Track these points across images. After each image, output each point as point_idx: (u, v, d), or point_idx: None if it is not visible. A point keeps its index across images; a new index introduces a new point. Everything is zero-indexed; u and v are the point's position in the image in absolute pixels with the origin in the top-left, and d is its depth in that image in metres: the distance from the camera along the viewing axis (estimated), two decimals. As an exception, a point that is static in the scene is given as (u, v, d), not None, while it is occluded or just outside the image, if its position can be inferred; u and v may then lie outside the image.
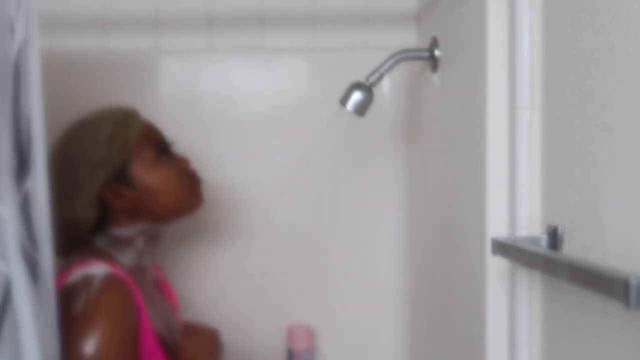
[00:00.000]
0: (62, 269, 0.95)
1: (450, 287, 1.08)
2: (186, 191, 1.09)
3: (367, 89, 1.08)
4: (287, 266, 1.40)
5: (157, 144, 1.08)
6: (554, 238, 0.77)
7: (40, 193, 0.72)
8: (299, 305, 1.41)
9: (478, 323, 0.91)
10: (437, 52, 1.12)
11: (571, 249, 0.73)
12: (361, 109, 1.08)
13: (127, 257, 1.04)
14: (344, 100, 1.08)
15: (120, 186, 1.02)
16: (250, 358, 1.40)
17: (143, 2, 1.39)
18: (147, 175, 1.04)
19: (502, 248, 0.79)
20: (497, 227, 0.87)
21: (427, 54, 1.14)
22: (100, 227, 1.02)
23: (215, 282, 1.38)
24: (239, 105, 1.39)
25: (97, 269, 0.94)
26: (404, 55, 1.12)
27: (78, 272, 0.93)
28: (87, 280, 0.92)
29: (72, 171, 1.00)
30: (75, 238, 1.01)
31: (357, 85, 1.08)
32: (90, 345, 0.87)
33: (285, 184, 1.33)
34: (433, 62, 1.14)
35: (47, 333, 0.71)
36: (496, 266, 0.87)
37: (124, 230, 1.03)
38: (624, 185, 0.62)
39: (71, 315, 0.88)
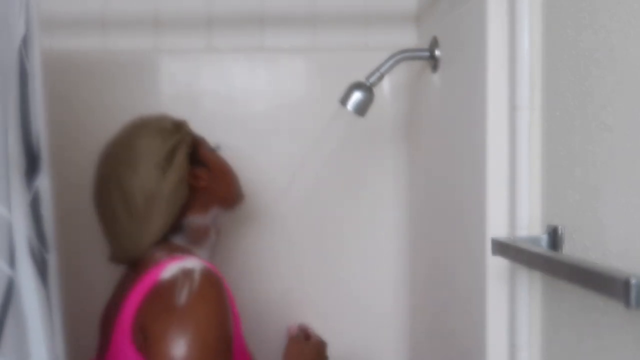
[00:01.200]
0: (150, 265, 0.94)
1: (450, 287, 1.08)
2: (237, 181, 1.15)
3: (367, 89, 1.08)
4: (287, 266, 1.40)
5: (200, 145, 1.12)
6: (554, 238, 0.77)
7: (46, 192, 0.72)
8: (299, 305, 1.41)
9: (478, 323, 0.91)
10: (437, 52, 1.12)
11: (571, 249, 0.73)
12: (361, 109, 1.08)
13: (204, 252, 1.05)
14: (344, 100, 1.08)
15: (195, 168, 1.05)
16: (250, 358, 1.40)
17: (143, 2, 1.39)
18: (214, 158, 1.10)
19: (502, 248, 0.79)
20: (497, 227, 0.87)
21: (427, 54, 1.14)
22: (175, 223, 1.02)
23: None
24: (239, 105, 1.39)
25: (193, 263, 0.93)
26: (404, 55, 1.12)
27: (174, 267, 0.91)
28: (187, 274, 0.90)
29: (144, 169, 0.99)
30: (169, 223, 0.99)
31: (357, 85, 1.08)
32: (194, 338, 0.86)
33: (285, 184, 1.33)
34: (433, 62, 1.14)
35: (55, 333, 0.71)
36: (496, 266, 0.87)
37: (198, 219, 1.04)
38: (624, 185, 0.62)
39: (172, 308, 0.87)
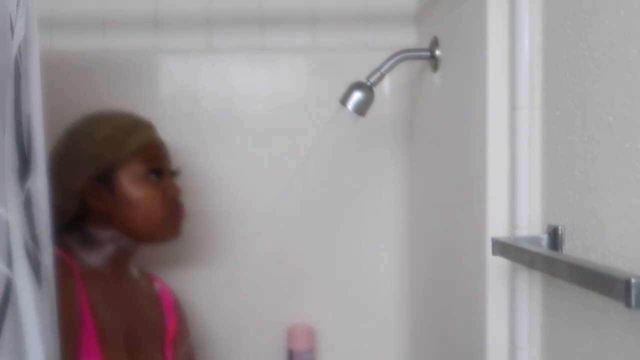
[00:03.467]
0: None
1: (450, 287, 1.08)
2: (163, 219, 1.08)
3: (367, 88, 1.08)
4: (287, 266, 1.40)
5: (153, 162, 1.08)
6: (554, 238, 0.76)
7: (41, 193, 0.72)
8: (299, 305, 1.41)
9: (478, 323, 0.91)
10: (437, 52, 1.12)
11: (571, 249, 0.73)
12: (361, 108, 1.08)
13: (90, 258, 1.05)
14: (344, 100, 1.08)
15: (102, 188, 1.03)
16: (250, 358, 1.40)
17: (143, 2, 1.39)
18: (130, 187, 1.05)
19: (502, 248, 0.79)
20: (497, 227, 0.87)
21: (427, 53, 1.14)
22: (77, 223, 1.03)
23: (215, 283, 1.38)
24: (239, 105, 1.39)
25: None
26: (405, 55, 1.12)
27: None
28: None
29: (64, 162, 1.02)
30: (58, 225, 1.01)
31: (357, 85, 1.08)
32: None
33: (285, 184, 1.33)
34: (433, 62, 1.14)
35: (50, 333, 0.71)
36: (496, 266, 0.87)
37: (96, 233, 1.05)
38: (625, 185, 0.62)
39: None
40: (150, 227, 1.07)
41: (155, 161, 1.08)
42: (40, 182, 0.72)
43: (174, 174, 1.14)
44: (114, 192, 1.04)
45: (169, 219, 1.09)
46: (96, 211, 1.04)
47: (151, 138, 1.09)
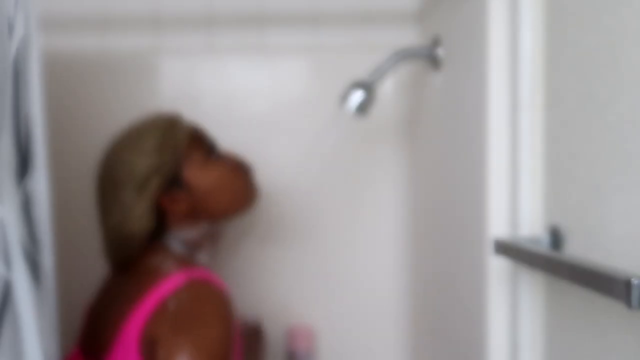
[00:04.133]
0: (157, 275, 0.97)
1: (451, 287, 1.08)
2: (241, 186, 1.10)
3: (368, 88, 1.08)
4: (288, 266, 1.40)
5: (204, 145, 1.08)
6: (556, 238, 0.76)
7: (41, 193, 0.72)
8: (299, 305, 1.41)
9: (479, 323, 0.91)
10: (438, 51, 1.12)
11: (573, 249, 0.73)
12: (362, 108, 1.08)
13: (204, 257, 1.07)
14: (345, 100, 1.08)
15: (176, 191, 1.03)
16: (250, 358, 1.40)
17: (143, 2, 1.39)
18: (201, 176, 1.05)
19: (504, 248, 0.79)
20: (498, 226, 0.87)
21: (428, 53, 1.13)
22: (158, 235, 1.03)
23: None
24: (239, 105, 1.39)
25: (203, 277, 0.96)
26: (406, 54, 1.12)
27: (184, 281, 0.94)
28: (197, 290, 0.94)
29: (120, 188, 1.01)
30: (131, 253, 1.02)
31: (358, 85, 1.08)
32: (202, 354, 0.89)
33: (286, 184, 1.33)
34: (434, 61, 1.13)
35: (48, 333, 0.71)
36: (497, 266, 0.87)
37: (188, 233, 1.05)
38: (626, 185, 0.62)
39: (183, 324, 0.90)
40: (234, 201, 1.09)
41: (205, 141, 1.09)
42: (40, 183, 0.72)
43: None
44: (190, 189, 1.04)
45: (245, 184, 1.11)
46: (179, 215, 1.03)
47: (189, 125, 1.09)
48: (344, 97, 1.08)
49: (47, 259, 0.73)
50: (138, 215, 1.00)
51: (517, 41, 0.83)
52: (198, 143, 1.07)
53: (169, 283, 0.94)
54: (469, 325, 0.97)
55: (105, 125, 1.12)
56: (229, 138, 1.38)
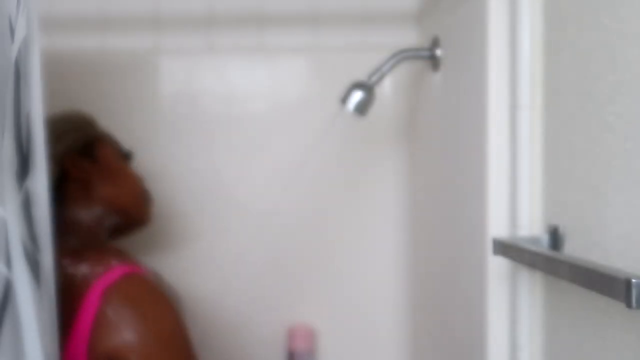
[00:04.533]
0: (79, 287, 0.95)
1: (451, 287, 1.08)
2: (142, 200, 1.11)
3: (368, 88, 1.08)
4: (288, 266, 1.40)
5: (120, 148, 1.12)
6: (555, 238, 0.76)
7: (40, 192, 0.72)
8: (299, 305, 1.41)
9: (479, 323, 0.91)
10: (438, 52, 1.12)
11: (572, 249, 0.73)
12: (362, 108, 1.08)
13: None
14: (344, 100, 1.08)
15: (82, 158, 1.04)
16: (250, 358, 1.40)
17: (143, 2, 1.39)
18: (112, 159, 1.08)
19: (503, 248, 0.79)
20: (497, 226, 0.87)
21: (428, 53, 1.14)
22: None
23: (215, 282, 1.38)
24: (239, 105, 1.39)
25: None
26: (405, 55, 1.12)
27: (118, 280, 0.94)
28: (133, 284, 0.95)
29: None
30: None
31: (358, 85, 1.08)
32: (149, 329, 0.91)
33: (286, 184, 1.33)
34: (434, 62, 1.14)
35: (48, 332, 0.71)
36: (497, 266, 0.87)
37: (80, 213, 1.02)
38: (625, 185, 0.62)
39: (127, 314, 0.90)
40: (134, 205, 1.09)
41: (121, 146, 1.13)
42: (40, 182, 0.72)
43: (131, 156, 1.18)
44: (96, 160, 1.05)
45: (147, 201, 1.13)
46: (80, 182, 1.02)
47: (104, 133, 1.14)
48: (344, 98, 1.08)
49: (47, 259, 0.73)
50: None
51: (516, 41, 0.83)
52: (115, 143, 1.12)
53: (95, 290, 0.92)
54: (468, 325, 0.97)
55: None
56: (229, 138, 1.39)
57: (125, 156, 1.13)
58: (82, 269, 0.95)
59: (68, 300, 0.91)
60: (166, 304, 0.95)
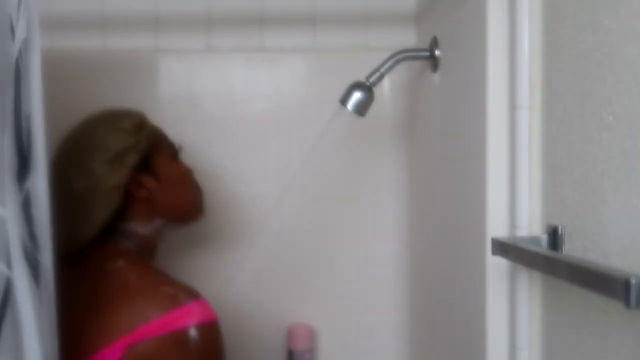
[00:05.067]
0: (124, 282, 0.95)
1: (450, 287, 1.08)
2: (197, 196, 1.11)
3: (367, 88, 1.08)
4: (287, 266, 1.40)
5: (171, 147, 1.09)
6: (554, 238, 0.77)
7: (40, 193, 0.72)
8: (299, 305, 1.41)
9: (478, 323, 0.91)
10: (437, 52, 1.12)
11: (571, 249, 0.73)
12: (361, 109, 1.08)
13: (154, 261, 1.05)
14: (344, 100, 1.08)
15: (144, 175, 1.01)
16: (250, 358, 1.40)
17: (143, 2, 1.39)
18: (170, 167, 1.05)
19: (502, 248, 0.79)
20: (497, 227, 0.87)
21: (427, 53, 1.14)
22: (113, 226, 0.99)
23: (215, 283, 1.38)
24: (239, 105, 1.39)
25: (203, 311, 0.99)
26: (404, 55, 1.12)
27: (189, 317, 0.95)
28: (204, 330, 0.96)
29: (92, 155, 0.97)
30: (89, 230, 0.96)
31: (357, 85, 1.08)
32: None
33: (285, 184, 1.33)
34: (433, 62, 1.14)
35: (48, 332, 0.71)
36: (496, 266, 0.87)
37: (140, 228, 1.01)
38: (624, 185, 0.62)
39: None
40: (191, 204, 1.09)
41: (171, 143, 1.10)
42: (40, 183, 0.72)
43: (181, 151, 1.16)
44: (158, 176, 1.02)
45: (200, 196, 1.12)
46: (143, 200, 1.00)
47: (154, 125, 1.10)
48: (343, 98, 1.08)
49: (47, 259, 0.73)
50: (108, 188, 0.96)
51: (516, 41, 0.84)
52: (167, 140, 1.09)
53: (183, 317, 0.93)
54: (468, 325, 0.98)
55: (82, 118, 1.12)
56: (229, 138, 1.39)
57: (176, 153, 1.10)
58: (134, 274, 0.97)
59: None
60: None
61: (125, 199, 0.99)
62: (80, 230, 0.97)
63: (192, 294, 0.97)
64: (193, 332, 0.92)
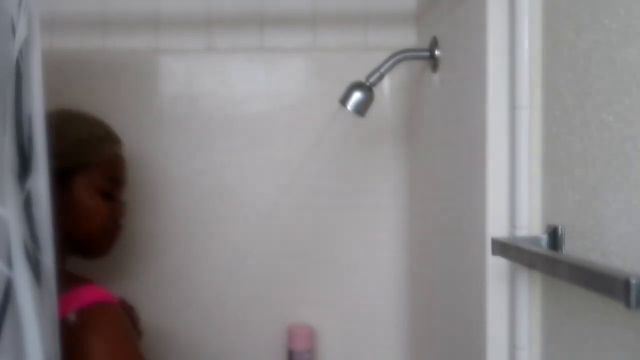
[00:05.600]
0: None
1: (450, 287, 1.08)
2: (102, 235, 1.04)
3: (367, 88, 1.08)
4: (288, 266, 1.40)
5: (112, 178, 1.05)
6: (554, 238, 0.77)
7: (41, 193, 0.72)
8: (299, 305, 1.41)
9: (478, 323, 0.91)
10: (437, 52, 1.12)
11: (571, 249, 0.73)
12: (361, 109, 1.08)
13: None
14: (344, 100, 1.08)
15: (63, 190, 0.97)
16: (250, 358, 1.40)
17: (143, 2, 1.39)
18: (86, 194, 1.00)
19: (502, 248, 0.79)
20: (497, 227, 0.87)
21: (427, 53, 1.14)
22: None
23: (215, 282, 1.38)
24: (238, 105, 1.39)
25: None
26: (404, 55, 1.12)
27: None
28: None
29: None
30: None
31: (357, 85, 1.08)
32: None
33: (285, 184, 1.33)
34: (433, 62, 1.14)
35: (49, 332, 0.71)
36: (496, 266, 0.87)
37: None
38: (624, 185, 0.62)
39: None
40: (87, 238, 1.02)
41: (114, 178, 1.05)
42: (41, 182, 0.72)
43: (122, 199, 1.10)
44: (69, 193, 0.99)
45: (107, 236, 1.06)
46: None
47: (119, 153, 1.07)
48: (343, 98, 1.08)
49: (48, 258, 0.73)
50: None
51: (516, 41, 0.84)
52: (107, 172, 1.04)
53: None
54: (468, 325, 0.98)
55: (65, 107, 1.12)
56: (229, 138, 1.39)
57: (114, 187, 1.05)
58: None
59: None
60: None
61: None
62: None
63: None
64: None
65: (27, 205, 0.69)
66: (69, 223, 0.98)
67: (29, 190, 0.69)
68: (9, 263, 0.65)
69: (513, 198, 0.85)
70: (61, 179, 0.97)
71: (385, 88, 1.37)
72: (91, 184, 1.01)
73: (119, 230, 1.08)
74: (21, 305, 0.66)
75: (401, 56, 1.11)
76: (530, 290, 0.84)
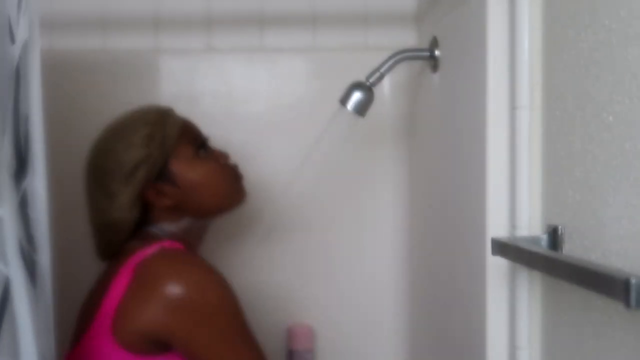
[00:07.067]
0: (128, 254, 0.98)
1: (450, 287, 1.08)
2: (228, 186, 1.10)
3: (367, 88, 1.08)
4: (288, 266, 1.40)
5: (195, 140, 1.08)
6: (554, 238, 0.77)
7: (39, 194, 0.72)
8: (299, 305, 1.41)
9: (478, 323, 0.91)
10: (437, 52, 1.12)
11: (571, 249, 0.73)
12: (361, 109, 1.08)
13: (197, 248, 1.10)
14: (344, 100, 1.08)
15: (162, 184, 1.03)
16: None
17: (143, 2, 1.39)
18: (189, 171, 1.05)
19: (502, 248, 0.79)
20: (497, 227, 0.87)
21: (427, 53, 1.14)
22: (140, 227, 1.04)
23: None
24: (238, 105, 1.39)
25: (171, 244, 0.99)
26: (404, 55, 1.12)
27: (154, 251, 0.96)
28: (166, 256, 0.97)
29: (107, 176, 1.02)
30: (115, 241, 1.03)
31: (357, 85, 1.08)
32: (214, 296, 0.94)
33: (285, 184, 1.33)
34: (433, 62, 1.14)
35: (44, 333, 0.71)
36: (496, 266, 0.87)
37: (170, 226, 1.05)
38: (624, 185, 0.62)
39: (167, 300, 0.91)
40: (221, 199, 1.09)
41: (196, 138, 1.09)
42: (38, 184, 0.72)
43: (208, 141, 1.14)
44: (177, 183, 1.04)
45: (232, 184, 1.11)
46: (163, 209, 1.03)
47: (180, 119, 1.09)
48: (343, 98, 1.08)
49: (44, 259, 0.73)
50: (123, 204, 1.01)
51: (516, 41, 0.84)
52: (188, 138, 1.07)
53: (137, 257, 0.95)
54: (467, 325, 0.98)
55: (105, 125, 1.12)
56: (229, 138, 1.38)
57: (203, 145, 1.10)
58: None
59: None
60: (210, 276, 0.95)
61: (145, 208, 1.03)
62: (111, 240, 1.04)
63: (153, 243, 1.01)
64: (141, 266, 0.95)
65: (23, 206, 0.69)
66: (201, 199, 1.06)
67: (25, 191, 0.69)
68: (5, 263, 0.65)
69: (513, 198, 0.85)
70: (165, 177, 1.03)
71: (385, 88, 1.37)
72: (185, 160, 1.05)
73: (234, 170, 1.13)
74: (17, 305, 0.66)
75: (401, 56, 1.11)
76: (530, 290, 0.83)
